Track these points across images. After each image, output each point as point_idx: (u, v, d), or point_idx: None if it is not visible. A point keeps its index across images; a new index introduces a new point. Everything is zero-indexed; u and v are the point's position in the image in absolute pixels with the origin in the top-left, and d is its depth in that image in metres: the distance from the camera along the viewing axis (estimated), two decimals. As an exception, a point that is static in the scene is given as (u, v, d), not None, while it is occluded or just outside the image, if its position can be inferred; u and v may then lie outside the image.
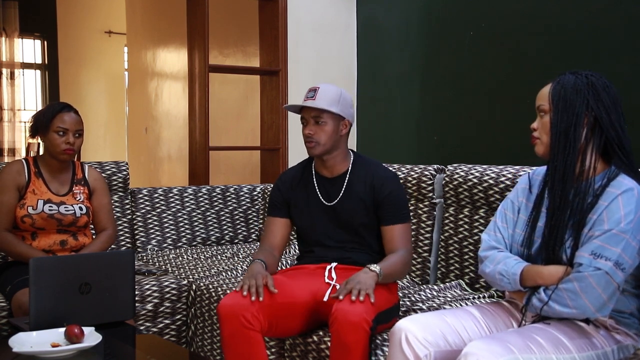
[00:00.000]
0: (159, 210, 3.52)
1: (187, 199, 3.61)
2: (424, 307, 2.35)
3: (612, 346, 1.70)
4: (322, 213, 2.34)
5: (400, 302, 2.34)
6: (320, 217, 2.34)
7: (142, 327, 2.77)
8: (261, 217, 3.77)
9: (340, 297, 1.95)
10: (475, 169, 2.71)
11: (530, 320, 1.78)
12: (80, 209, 2.71)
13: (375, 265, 2.09)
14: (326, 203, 2.33)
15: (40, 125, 2.66)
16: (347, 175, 2.34)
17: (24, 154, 7.84)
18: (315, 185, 2.37)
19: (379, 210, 2.28)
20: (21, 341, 1.90)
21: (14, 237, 2.62)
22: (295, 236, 2.50)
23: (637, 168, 1.74)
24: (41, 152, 2.82)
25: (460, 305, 2.35)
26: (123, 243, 3.38)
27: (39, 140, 2.76)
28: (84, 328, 1.95)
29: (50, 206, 2.65)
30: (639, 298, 1.73)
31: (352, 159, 2.36)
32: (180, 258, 3.27)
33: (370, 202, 2.28)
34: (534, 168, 2.00)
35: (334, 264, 2.27)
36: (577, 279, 1.63)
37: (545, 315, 1.71)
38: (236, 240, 3.70)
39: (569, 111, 1.72)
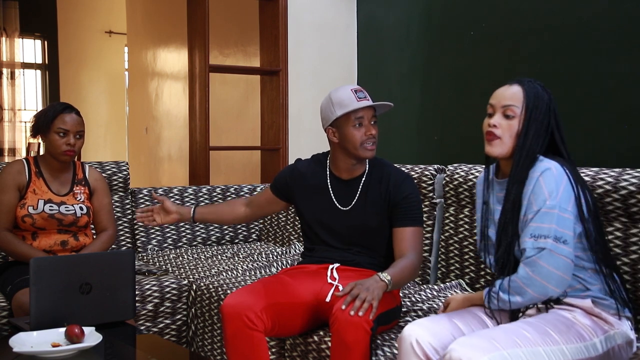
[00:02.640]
0: (159, 210, 3.51)
1: (187, 199, 3.61)
2: (424, 307, 2.35)
3: (599, 337, 1.72)
4: (333, 216, 2.30)
5: (401, 302, 2.33)
6: (331, 220, 2.31)
7: (142, 327, 2.77)
8: (261, 217, 3.77)
9: (343, 307, 1.90)
10: (475, 169, 2.71)
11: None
12: (81, 209, 2.72)
13: (386, 274, 2.01)
14: (340, 207, 2.29)
15: (41, 125, 2.66)
16: (364, 178, 2.29)
17: (24, 154, 7.84)
18: (330, 187, 2.32)
19: (393, 212, 2.23)
20: (22, 341, 1.90)
21: (14, 236, 2.62)
22: (300, 233, 2.49)
23: (569, 156, 1.82)
24: (42, 152, 2.82)
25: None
26: (123, 243, 3.38)
27: (40, 140, 2.76)
28: (84, 328, 1.95)
29: (50, 206, 2.65)
30: (602, 274, 1.77)
31: (367, 161, 2.32)
32: (181, 258, 3.28)
33: (384, 205, 2.24)
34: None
35: (336, 265, 2.26)
36: (526, 264, 1.70)
37: (514, 308, 1.77)
38: (236, 240, 3.70)
39: (540, 124, 1.78)
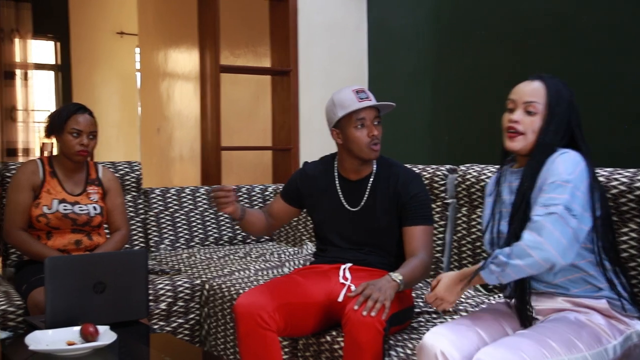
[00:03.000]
0: (171, 210, 3.53)
1: (199, 199, 3.62)
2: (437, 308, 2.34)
3: (618, 339, 1.70)
4: (343, 217, 2.30)
5: (414, 303, 2.33)
6: (341, 221, 2.31)
7: (155, 327, 2.78)
8: (273, 217, 3.78)
9: (355, 307, 1.91)
10: (487, 169, 2.70)
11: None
12: (94, 208, 2.74)
13: (398, 274, 2.02)
14: (349, 208, 2.29)
15: (55, 126, 2.69)
16: (372, 178, 2.29)
17: (37, 154, 7.90)
18: (338, 188, 2.32)
19: (402, 211, 2.23)
20: (37, 339, 1.92)
21: (29, 236, 2.64)
22: (313, 233, 2.49)
23: (588, 150, 1.80)
24: (55, 152, 2.84)
25: (474, 307, 2.34)
26: (136, 243, 3.40)
27: (54, 141, 2.78)
28: (98, 327, 1.96)
29: (64, 206, 2.67)
30: (603, 269, 1.75)
31: (375, 161, 2.31)
32: (193, 257, 3.29)
33: (393, 205, 2.24)
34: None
35: (348, 265, 2.27)
36: (534, 228, 1.67)
37: (508, 279, 1.70)
38: (248, 240, 3.71)
39: (561, 121, 1.77)
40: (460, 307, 2.32)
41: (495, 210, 1.89)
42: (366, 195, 2.28)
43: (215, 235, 3.62)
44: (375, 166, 2.31)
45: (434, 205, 2.85)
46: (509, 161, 1.93)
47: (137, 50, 8.14)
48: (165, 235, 3.49)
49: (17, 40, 7.81)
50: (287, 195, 2.45)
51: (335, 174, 2.34)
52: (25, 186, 2.67)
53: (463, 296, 2.49)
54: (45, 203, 2.66)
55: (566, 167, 1.70)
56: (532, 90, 1.80)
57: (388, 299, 1.93)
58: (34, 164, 2.73)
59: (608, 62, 2.95)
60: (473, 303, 2.39)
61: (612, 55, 2.95)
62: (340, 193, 2.32)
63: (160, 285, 2.83)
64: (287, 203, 2.45)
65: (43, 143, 7.67)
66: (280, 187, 3.77)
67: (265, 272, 2.96)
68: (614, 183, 2.17)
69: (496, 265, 1.69)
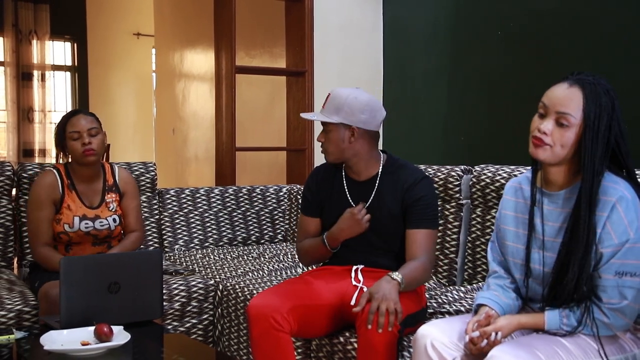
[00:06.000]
0: (186, 210, 3.55)
1: (213, 200, 3.63)
2: (451, 309, 2.33)
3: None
4: None
5: (427, 304, 2.32)
6: None
7: (169, 327, 2.79)
8: (287, 217, 3.78)
9: (369, 327, 1.87)
10: (503, 170, 2.68)
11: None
12: (114, 220, 2.72)
13: (397, 273, 1.99)
14: None
15: (59, 137, 2.68)
16: (377, 180, 2.26)
17: (54, 154, 7.95)
18: (346, 188, 2.30)
19: (407, 214, 2.20)
20: (52, 339, 1.93)
21: (50, 250, 2.63)
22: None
23: (630, 168, 1.65)
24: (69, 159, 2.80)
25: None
26: (151, 243, 3.41)
27: (67, 153, 2.72)
28: (112, 327, 1.97)
29: (86, 223, 2.66)
30: None
31: (382, 162, 2.28)
32: (207, 258, 3.30)
33: (399, 206, 2.21)
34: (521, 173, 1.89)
35: (360, 267, 2.26)
36: (618, 310, 1.59)
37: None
38: (262, 241, 3.71)
39: (602, 139, 1.57)
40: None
41: (528, 236, 1.74)
42: (372, 195, 2.26)
43: (229, 235, 3.63)
44: (381, 166, 2.28)
45: (448, 206, 2.84)
46: (535, 171, 1.78)
47: (153, 51, 8.19)
48: (180, 236, 3.50)
49: (34, 42, 7.88)
50: (312, 210, 2.37)
51: (343, 174, 2.33)
52: (46, 202, 2.63)
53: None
54: (66, 221, 2.64)
55: (630, 218, 1.55)
56: (567, 99, 1.59)
57: (396, 302, 1.90)
58: (51, 176, 2.68)
59: (625, 61, 2.91)
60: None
61: (629, 55, 2.91)
62: (347, 191, 2.30)
63: (174, 286, 2.83)
64: (318, 216, 2.36)
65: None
66: (295, 187, 3.78)
67: (278, 273, 2.96)
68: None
69: (566, 331, 1.64)
